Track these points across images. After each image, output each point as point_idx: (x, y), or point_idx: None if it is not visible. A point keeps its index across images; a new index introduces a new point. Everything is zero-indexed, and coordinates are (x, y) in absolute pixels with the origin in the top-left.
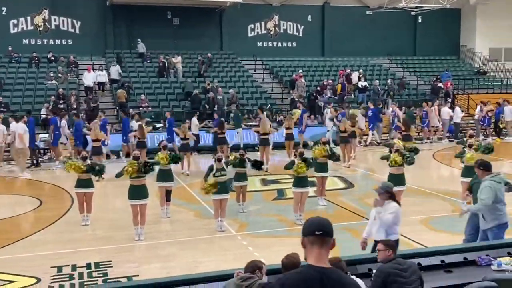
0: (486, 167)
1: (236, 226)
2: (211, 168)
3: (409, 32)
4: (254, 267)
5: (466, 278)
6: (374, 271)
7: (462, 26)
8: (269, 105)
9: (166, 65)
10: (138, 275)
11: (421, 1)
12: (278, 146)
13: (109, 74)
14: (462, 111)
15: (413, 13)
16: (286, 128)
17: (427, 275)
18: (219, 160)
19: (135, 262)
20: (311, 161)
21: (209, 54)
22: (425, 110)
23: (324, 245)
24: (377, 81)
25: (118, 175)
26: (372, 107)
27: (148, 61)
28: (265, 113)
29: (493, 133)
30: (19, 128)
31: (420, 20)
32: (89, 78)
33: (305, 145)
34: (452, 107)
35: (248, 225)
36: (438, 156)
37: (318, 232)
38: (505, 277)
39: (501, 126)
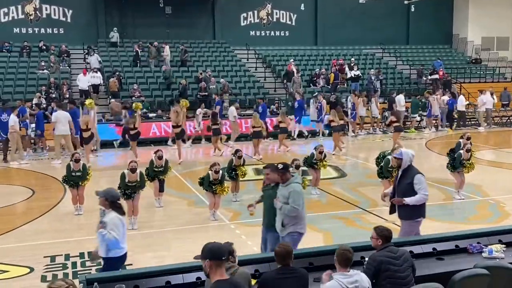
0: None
1: (229, 215)
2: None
3: (402, 21)
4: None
5: (458, 265)
6: (366, 259)
7: (454, 15)
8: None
9: (149, 53)
10: (131, 264)
11: None
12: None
13: (88, 63)
14: (467, 99)
15: (406, 2)
16: (279, 122)
17: (419, 263)
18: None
19: (129, 251)
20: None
21: (181, 47)
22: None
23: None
24: (372, 70)
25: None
26: (298, 98)
27: (140, 50)
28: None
29: (447, 123)
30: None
31: (413, 9)
32: (83, 81)
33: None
34: (454, 96)
35: (241, 214)
36: (430, 145)
37: (224, 257)
38: (496, 264)
39: (455, 116)
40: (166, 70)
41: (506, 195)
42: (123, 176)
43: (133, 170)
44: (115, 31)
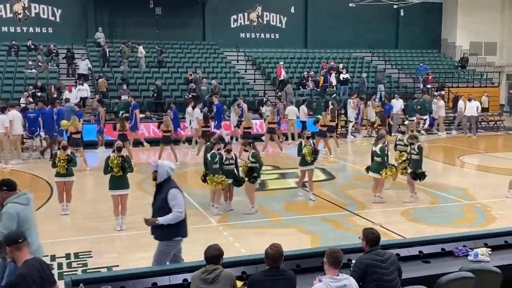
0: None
1: (217, 217)
2: (220, 158)
3: (391, 25)
4: (216, 257)
5: (444, 268)
6: (353, 261)
7: (443, 20)
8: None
9: (122, 53)
10: (118, 265)
11: None
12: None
13: (77, 69)
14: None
15: (395, 6)
16: (269, 123)
17: (405, 266)
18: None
19: (116, 252)
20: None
21: (158, 48)
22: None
23: None
24: (365, 74)
25: (107, 172)
26: (216, 102)
27: (130, 51)
28: (245, 105)
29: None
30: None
31: (402, 13)
32: (71, 97)
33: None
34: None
35: (229, 216)
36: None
37: (20, 240)
38: (482, 267)
39: (391, 122)
40: (124, 71)
41: (493, 199)
42: (108, 158)
43: (119, 149)
44: (100, 31)
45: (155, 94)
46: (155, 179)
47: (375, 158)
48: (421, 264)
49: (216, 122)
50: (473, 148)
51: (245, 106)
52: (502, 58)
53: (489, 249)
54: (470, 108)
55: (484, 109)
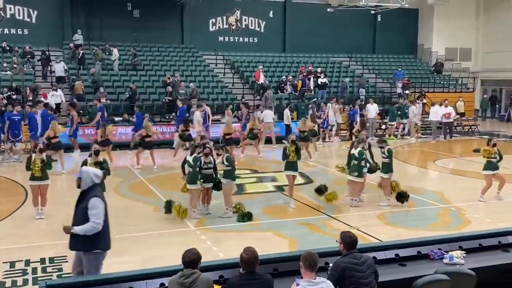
0: None
1: (194, 221)
2: (200, 161)
3: (369, 30)
4: (194, 261)
5: (419, 271)
6: (330, 265)
7: (419, 25)
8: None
9: (95, 55)
10: None
11: (380, 0)
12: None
13: (53, 72)
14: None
15: (372, 12)
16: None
17: (382, 269)
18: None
19: None
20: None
21: (132, 50)
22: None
23: None
24: (347, 78)
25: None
26: (180, 105)
27: (108, 54)
28: (208, 108)
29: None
30: None
31: (379, 19)
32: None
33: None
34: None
35: (207, 219)
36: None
37: None
38: (456, 270)
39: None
40: (95, 73)
41: (467, 202)
42: (84, 162)
43: (96, 153)
44: (79, 33)
45: (129, 97)
46: (79, 186)
47: (352, 161)
48: (397, 267)
49: (178, 126)
50: (449, 152)
51: (208, 109)
52: (477, 64)
53: (464, 252)
54: (434, 113)
55: (460, 114)
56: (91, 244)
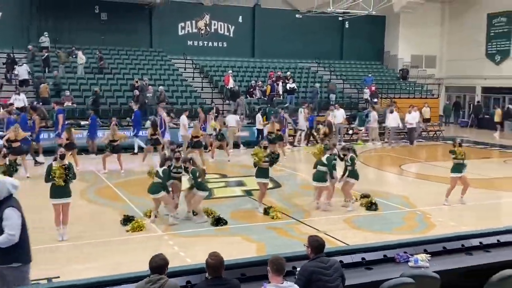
0: None
1: (162, 226)
2: (169, 165)
3: (337, 37)
4: (161, 267)
5: (385, 274)
6: (298, 269)
7: (386, 32)
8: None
9: (58, 58)
10: (59, 277)
11: (348, 7)
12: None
13: (16, 75)
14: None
15: (340, 19)
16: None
17: (348, 272)
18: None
19: (57, 263)
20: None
21: (97, 52)
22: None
23: None
24: (318, 84)
25: (48, 180)
26: (135, 109)
27: (74, 56)
28: (164, 113)
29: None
30: None
31: (347, 26)
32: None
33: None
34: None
35: (174, 224)
36: (363, 157)
37: None
38: (421, 273)
39: (315, 133)
40: (57, 76)
41: (432, 206)
42: (49, 166)
43: (62, 157)
44: (46, 35)
45: (93, 100)
46: None
47: (319, 166)
48: (363, 270)
49: (135, 130)
50: (414, 157)
51: (164, 114)
52: (442, 70)
53: (429, 255)
54: (393, 119)
55: (426, 120)
56: (9, 257)
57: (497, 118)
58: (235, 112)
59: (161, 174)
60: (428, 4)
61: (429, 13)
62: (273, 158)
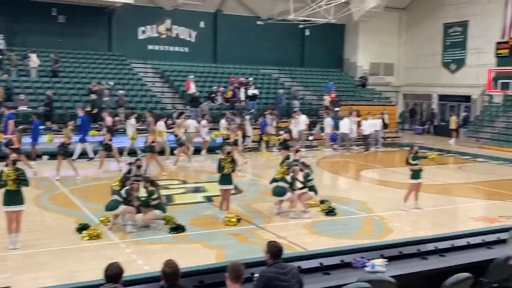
0: None
1: (119, 234)
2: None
3: (297, 44)
4: (116, 275)
5: (343, 279)
6: (256, 275)
7: (346, 40)
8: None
9: (10, 61)
10: (10, 286)
11: (308, 15)
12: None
13: None
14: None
15: (301, 26)
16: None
17: (306, 278)
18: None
19: (8, 272)
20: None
21: (52, 55)
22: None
23: None
24: (282, 90)
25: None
26: (81, 114)
27: (28, 59)
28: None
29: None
30: None
31: (307, 33)
32: None
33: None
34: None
35: (132, 232)
36: (323, 163)
37: None
38: (378, 277)
39: (264, 138)
40: (8, 80)
41: (390, 211)
42: (1, 172)
43: (14, 163)
44: (1, 37)
45: (46, 105)
46: None
47: (280, 182)
48: (321, 276)
49: (81, 136)
50: (373, 163)
51: (108, 119)
52: (399, 78)
53: (385, 259)
54: (343, 126)
55: (385, 126)
56: None
57: (452, 125)
58: (203, 117)
59: (123, 194)
60: (386, 14)
61: (387, 22)
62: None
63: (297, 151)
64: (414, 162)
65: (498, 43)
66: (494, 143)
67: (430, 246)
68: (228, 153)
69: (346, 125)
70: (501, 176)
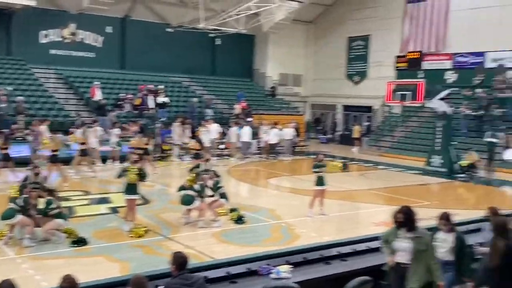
0: None
1: (15, 248)
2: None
3: (208, 53)
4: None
5: (249, 287)
6: (161, 287)
7: (256, 51)
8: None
9: None
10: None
11: (219, 24)
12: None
13: None
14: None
15: (211, 35)
16: (81, 143)
17: (213, 287)
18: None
19: None
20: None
21: None
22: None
23: None
24: (195, 98)
25: None
26: None
27: None
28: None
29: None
30: None
31: (218, 42)
32: None
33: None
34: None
35: (30, 246)
36: (234, 172)
37: None
38: (282, 284)
39: (164, 148)
40: None
41: (296, 218)
42: None
43: None
44: None
45: None
46: None
47: (188, 190)
48: (228, 285)
49: None
50: (281, 171)
51: (40, 128)
52: (307, 89)
53: (291, 266)
54: (244, 135)
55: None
56: None
57: (355, 134)
58: (114, 126)
59: (20, 203)
60: (294, 26)
61: (295, 34)
62: (142, 174)
63: (207, 160)
64: (317, 170)
65: (397, 56)
66: (394, 151)
67: (333, 251)
68: (135, 161)
69: (247, 134)
70: (400, 183)
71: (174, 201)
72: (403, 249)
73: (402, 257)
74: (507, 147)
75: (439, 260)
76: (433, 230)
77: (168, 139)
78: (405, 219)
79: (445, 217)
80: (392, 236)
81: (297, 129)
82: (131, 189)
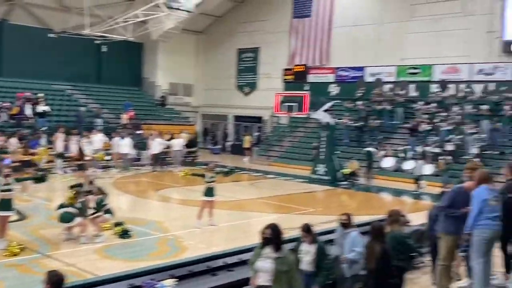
0: None
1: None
2: None
3: (94, 60)
4: None
5: None
6: None
7: (145, 59)
8: None
9: None
10: None
11: (105, 31)
12: None
13: None
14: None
15: (97, 42)
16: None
17: None
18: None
19: None
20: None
21: None
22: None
23: None
24: (83, 107)
25: None
26: None
27: None
28: None
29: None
30: None
31: (104, 49)
32: None
33: None
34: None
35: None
36: (119, 184)
37: None
38: None
39: (34, 159)
40: None
41: (185, 230)
42: None
43: None
44: None
45: None
46: None
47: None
48: None
49: None
50: (171, 182)
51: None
52: (198, 99)
53: (176, 279)
54: (124, 146)
55: (186, 146)
56: None
57: (246, 144)
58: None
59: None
60: (184, 36)
61: (185, 44)
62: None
63: (90, 182)
64: (209, 180)
65: (285, 69)
66: (282, 160)
67: (220, 262)
68: (7, 176)
69: (127, 145)
70: (288, 191)
71: (54, 216)
72: (265, 270)
73: (263, 278)
74: (385, 156)
75: (304, 271)
76: (298, 241)
77: (39, 150)
78: (272, 235)
79: (305, 229)
80: (256, 256)
81: (194, 139)
82: (4, 205)
